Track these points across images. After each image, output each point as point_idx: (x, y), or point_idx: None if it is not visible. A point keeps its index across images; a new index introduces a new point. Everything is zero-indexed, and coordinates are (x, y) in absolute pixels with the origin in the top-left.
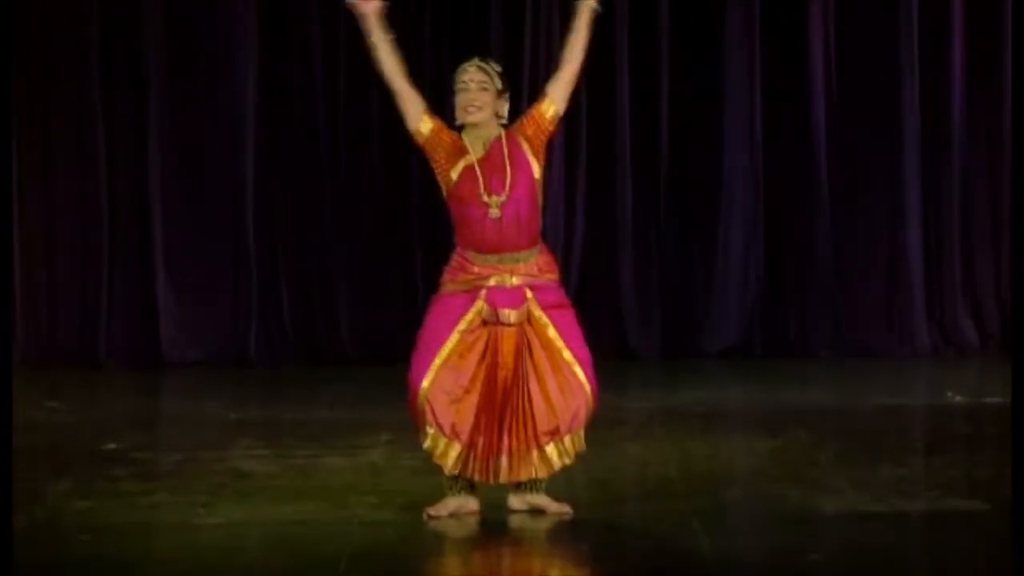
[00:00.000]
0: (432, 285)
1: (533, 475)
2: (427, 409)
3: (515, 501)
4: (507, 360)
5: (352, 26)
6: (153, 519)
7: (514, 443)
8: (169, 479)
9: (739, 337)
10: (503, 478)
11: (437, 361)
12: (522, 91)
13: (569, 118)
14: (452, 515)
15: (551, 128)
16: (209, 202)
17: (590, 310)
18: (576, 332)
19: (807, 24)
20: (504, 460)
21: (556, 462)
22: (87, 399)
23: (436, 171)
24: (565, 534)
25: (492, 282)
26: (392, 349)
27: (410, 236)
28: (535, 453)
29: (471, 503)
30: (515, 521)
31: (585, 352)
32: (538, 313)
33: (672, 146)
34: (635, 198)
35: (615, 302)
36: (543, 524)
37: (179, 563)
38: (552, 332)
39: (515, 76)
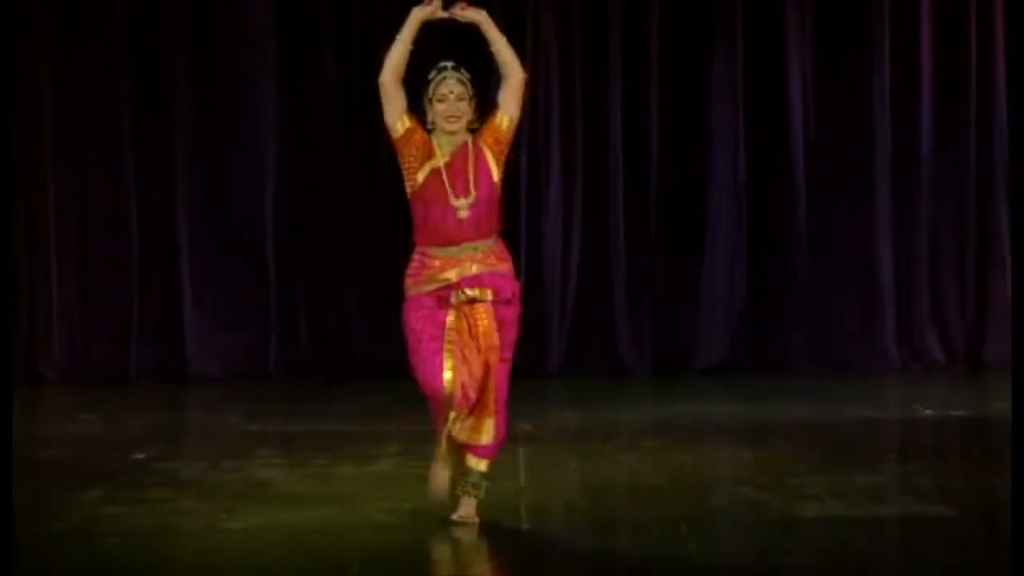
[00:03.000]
0: None
1: (477, 440)
2: (456, 396)
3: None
4: (481, 339)
5: (364, 66)
6: (178, 524)
7: (487, 409)
8: (193, 487)
9: (724, 355)
10: (464, 437)
11: (448, 360)
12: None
13: (566, 154)
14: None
15: (509, 136)
16: (232, 229)
17: (586, 329)
18: (508, 338)
19: (786, 71)
20: (487, 423)
21: (488, 435)
22: (118, 412)
23: (404, 169)
24: (561, 538)
25: (454, 276)
26: (401, 365)
27: None
28: (487, 421)
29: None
30: (516, 526)
31: (504, 354)
32: (487, 309)
33: (662, 180)
34: (627, 228)
35: (609, 322)
36: (543, 528)
37: (202, 565)
38: (492, 335)
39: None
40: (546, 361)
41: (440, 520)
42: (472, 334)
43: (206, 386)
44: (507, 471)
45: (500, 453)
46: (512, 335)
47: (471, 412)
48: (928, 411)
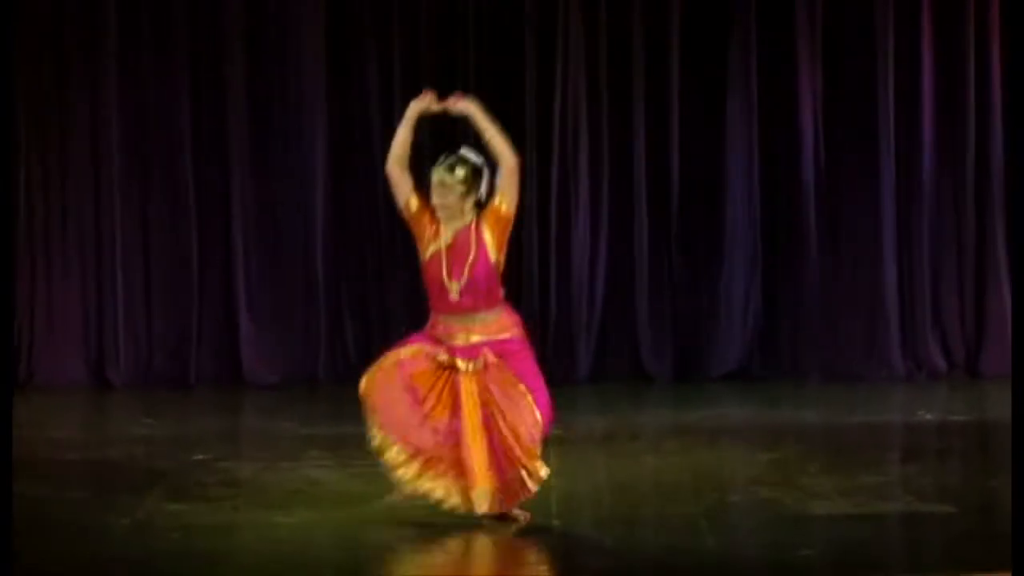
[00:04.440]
0: None
1: (513, 504)
2: (371, 405)
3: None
4: (468, 402)
5: (405, 90)
6: (235, 520)
7: (486, 475)
8: (249, 485)
9: (740, 362)
10: (484, 509)
11: (385, 359)
12: (553, 123)
13: (593, 174)
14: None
15: (508, 217)
16: (284, 245)
17: (611, 338)
18: (529, 370)
19: (797, 93)
20: (479, 491)
21: (530, 486)
22: (179, 416)
23: (416, 242)
24: (589, 532)
25: (457, 342)
26: None
27: None
28: (515, 476)
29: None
30: (547, 522)
31: (537, 383)
32: (494, 360)
33: (682, 199)
34: (650, 243)
35: (632, 331)
36: (572, 524)
37: (258, 557)
38: (507, 372)
39: (547, 110)
40: (574, 369)
41: (471, 518)
42: (459, 402)
43: (261, 392)
44: None
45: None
46: (528, 365)
47: (474, 482)
48: (930, 416)
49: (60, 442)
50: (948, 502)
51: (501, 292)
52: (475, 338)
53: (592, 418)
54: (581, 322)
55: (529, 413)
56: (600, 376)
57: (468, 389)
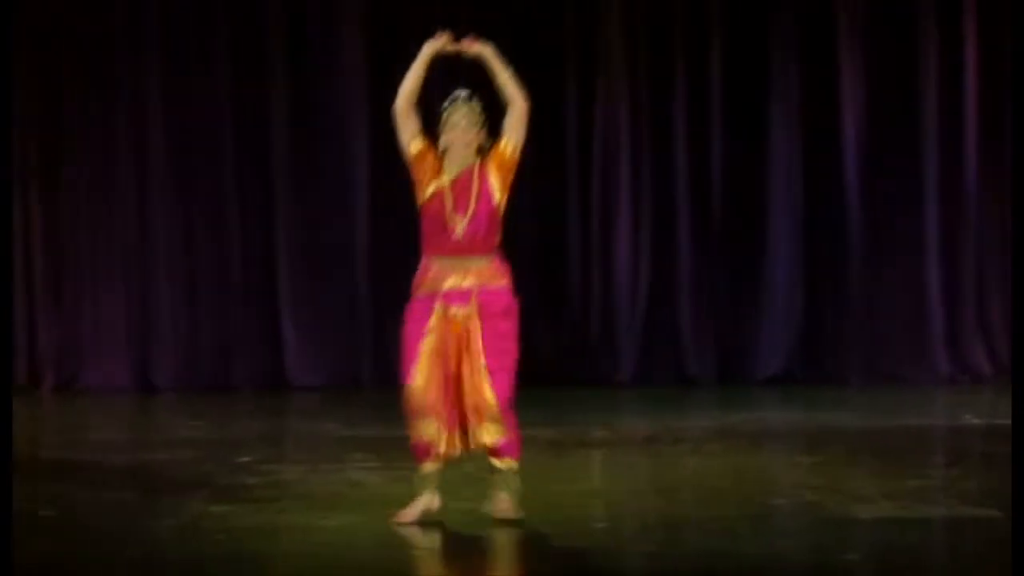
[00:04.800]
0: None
1: (485, 443)
2: (423, 402)
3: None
4: (452, 354)
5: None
6: (280, 521)
7: (467, 420)
8: (294, 487)
9: (783, 366)
10: (466, 446)
11: (420, 361)
12: (594, 130)
13: (636, 181)
14: (420, 518)
15: (514, 160)
16: (326, 249)
17: (654, 342)
18: (501, 344)
19: (840, 99)
20: (461, 434)
21: (494, 437)
22: (224, 419)
23: (415, 184)
24: (632, 535)
25: (448, 284)
26: None
27: None
28: (482, 426)
29: (436, 500)
30: (590, 524)
31: (501, 361)
32: (476, 322)
33: (724, 203)
34: (692, 248)
35: (675, 335)
36: (616, 526)
37: (302, 559)
38: (479, 344)
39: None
40: (618, 372)
41: (518, 519)
42: (449, 349)
43: (305, 395)
44: (581, 474)
45: (522, 451)
46: (507, 344)
47: (477, 421)
48: (974, 419)
49: (106, 445)
50: (992, 506)
51: (498, 238)
52: (467, 282)
53: (635, 421)
54: (624, 325)
55: (482, 392)
56: (643, 379)
57: (452, 344)
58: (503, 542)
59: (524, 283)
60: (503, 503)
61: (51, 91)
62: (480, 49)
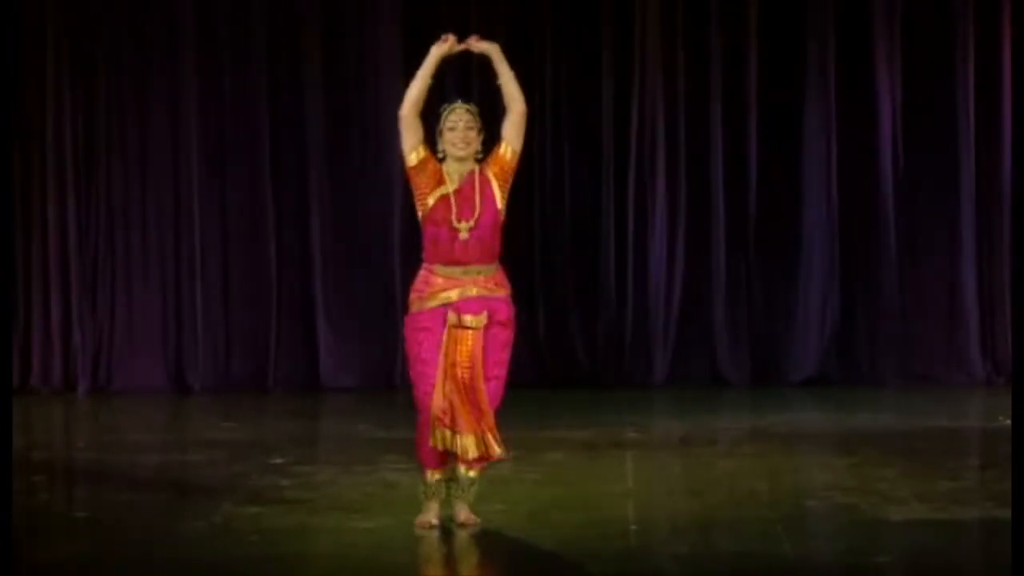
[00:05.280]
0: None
1: (490, 455)
2: (441, 410)
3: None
4: (463, 360)
5: (481, 99)
6: (312, 523)
7: (474, 426)
8: (326, 489)
9: (818, 368)
10: (471, 454)
11: (439, 371)
12: (630, 131)
13: (671, 182)
14: (439, 521)
15: (513, 165)
16: (361, 251)
17: (688, 343)
18: (501, 355)
19: (876, 100)
20: (468, 440)
21: (496, 450)
22: (257, 420)
23: (416, 194)
24: (665, 537)
25: (455, 296)
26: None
27: (533, 289)
28: (487, 436)
29: (437, 508)
30: (624, 526)
31: (496, 371)
32: (483, 331)
33: (759, 203)
34: (727, 248)
35: (709, 336)
36: (649, 528)
37: (334, 561)
38: (482, 352)
39: (625, 118)
40: (652, 373)
41: (551, 521)
42: (459, 356)
43: (338, 396)
44: (615, 475)
45: (489, 463)
46: (505, 355)
47: (457, 429)
48: (1009, 421)
49: (139, 446)
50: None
51: (500, 245)
52: (475, 291)
53: (669, 422)
54: (659, 326)
55: (483, 400)
56: (677, 381)
57: (464, 349)
58: (535, 544)
59: (559, 284)
60: (466, 511)
61: (87, 92)
62: (487, 47)
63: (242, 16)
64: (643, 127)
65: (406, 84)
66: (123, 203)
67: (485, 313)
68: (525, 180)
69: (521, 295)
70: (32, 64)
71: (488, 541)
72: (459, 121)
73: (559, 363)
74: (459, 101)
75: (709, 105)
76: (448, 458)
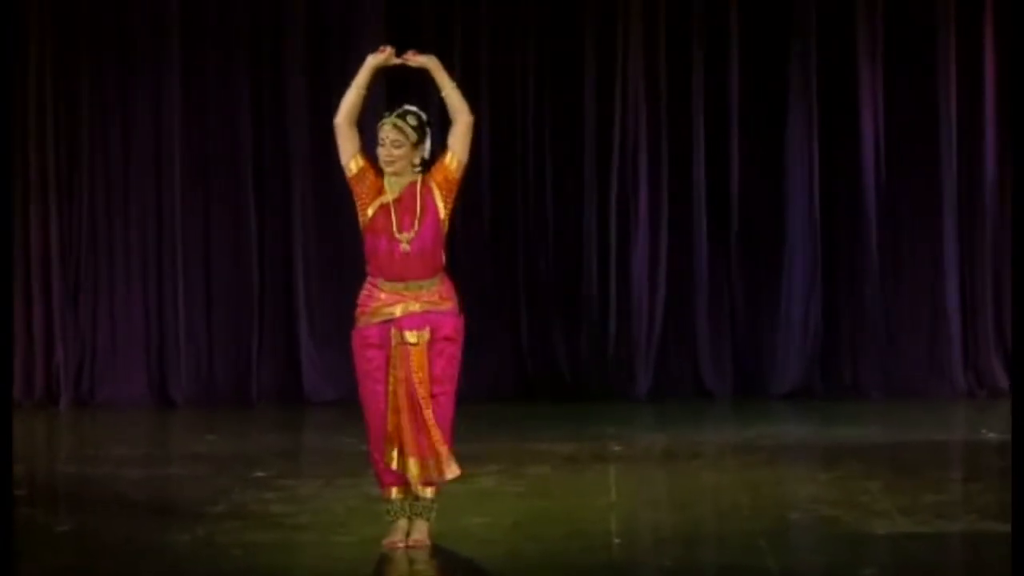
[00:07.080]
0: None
1: (441, 476)
2: (390, 429)
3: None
4: (408, 377)
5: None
6: (296, 537)
7: (418, 449)
8: (310, 502)
9: (801, 380)
10: (414, 476)
11: (388, 389)
12: (613, 137)
13: (652, 190)
14: (407, 541)
15: (457, 176)
16: (344, 262)
17: (671, 355)
18: (448, 371)
19: (859, 108)
20: (412, 462)
21: (446, 473)
22: (241, 433)
23: (357, 204)
24: (648, 550)
25: (398, 311)
26: (493, 390)
27: (516, 301)
28: (431, 460)
29: (406, 526)
30: (607, 540)
31: (443, 388)
32: (427, 347)
33: (742, 216)
34: (710, 260)
35: (692, 349)
36: (632, 541)
37: (319, 574)
38: (427, 369)
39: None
40: (635, 386)
41: (534, 534)
42: (404, 374)
43: (321, 409)
44: (598, 488)
45: (446, 482)
46: (453, 369)
47: (404, 450)
48: (991, 434)
49: (122, 459)
50: (1010, 521)
51: (443, 257)
52: (418, 307)
53: (652, 435)
54: (642, 339)
55: (428, 417)
56: (660, 393)
57: (409, 359)
58: (519, 556)
59: (542, 296)
60: (422, 532)
61: (69, 102)
62: (424, 60)
63: (226, 23)
64: (625, 139)
65: (388, 92)
66: (105, 215)
67: (428, 328)
68: (507, 191)
69: (504, 307)
70: (13, 72)
71: (471, 554)
72: (385, 138)
73: (542, 376)
74: (388, 114)
75: (691, 117)
76: (406, 475)
